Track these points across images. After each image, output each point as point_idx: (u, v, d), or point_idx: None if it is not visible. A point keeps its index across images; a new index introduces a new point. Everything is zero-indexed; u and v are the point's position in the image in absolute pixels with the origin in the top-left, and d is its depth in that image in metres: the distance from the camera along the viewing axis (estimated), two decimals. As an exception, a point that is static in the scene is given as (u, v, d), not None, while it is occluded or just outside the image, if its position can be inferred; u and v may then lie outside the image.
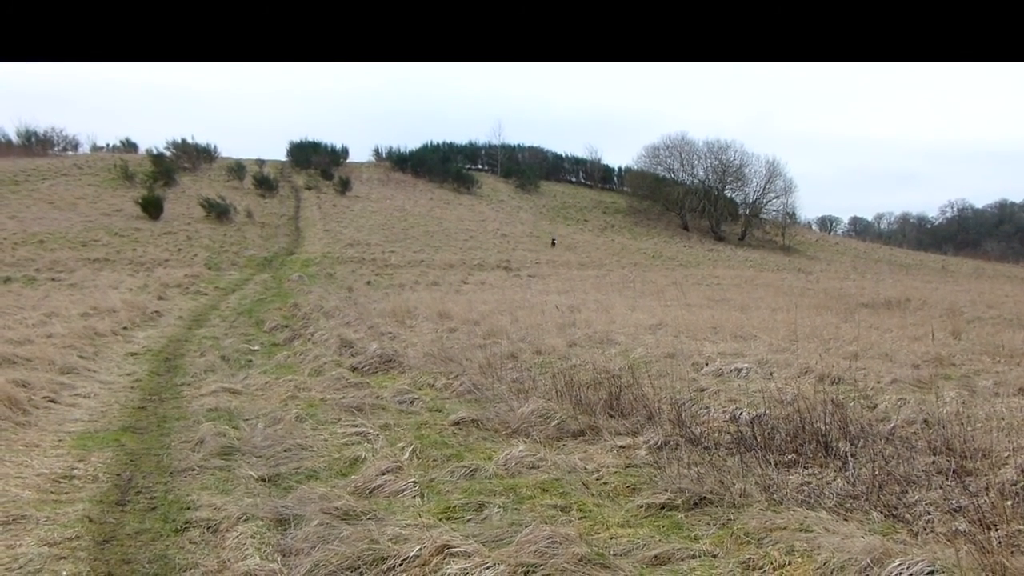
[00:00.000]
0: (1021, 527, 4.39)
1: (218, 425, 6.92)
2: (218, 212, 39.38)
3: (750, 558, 4.15)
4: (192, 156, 54.37)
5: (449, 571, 3.87)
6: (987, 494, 4.80)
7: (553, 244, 23.70)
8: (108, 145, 63.41)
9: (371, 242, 37.49)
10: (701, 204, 61.34)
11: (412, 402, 8.09)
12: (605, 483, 5.47)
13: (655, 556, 4.20)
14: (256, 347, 12.20)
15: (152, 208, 37.82)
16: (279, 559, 4.15)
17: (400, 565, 4.00)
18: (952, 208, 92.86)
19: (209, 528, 4.67)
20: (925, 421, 6.88)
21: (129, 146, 62.05)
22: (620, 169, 72.30)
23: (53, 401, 7.88)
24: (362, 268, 29.75)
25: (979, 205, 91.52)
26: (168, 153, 54.09)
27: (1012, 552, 3.98)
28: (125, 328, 13.61)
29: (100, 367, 10.10)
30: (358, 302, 17.87)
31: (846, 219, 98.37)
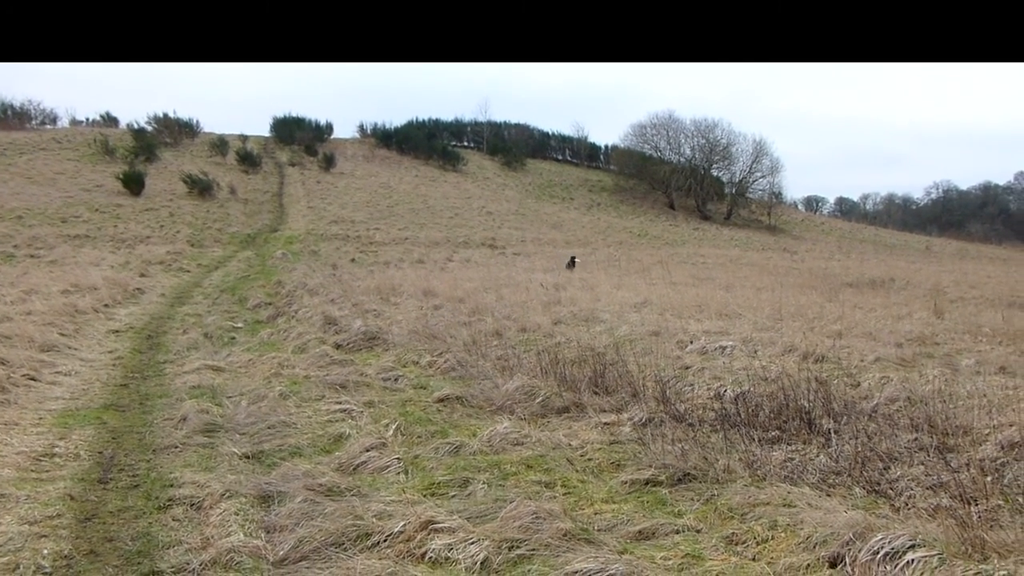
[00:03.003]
0: (1000, 502, 4.45)
1: (201, 402, 6.86)
2: (201, 188, 38.92)
3: (733, 533, 4.18)
4: (174, 131, 53.62)
5: (433, 546, 3.87)
6: (968, 470, 4.85)
7: (573, 265, 19.57)
8: (87, 119, 62.47)
9: (356, 219, 37.24)
10: (687, 183, 61.29)
11: (396, 379, 8.07)
12: (589, 459, 5.48)
13: (639, 531, 4.22)
14: (239, 324, 12.11)
15: (133, 184, 37.32)
16: (263, 535, 4.13)
17: (385, 541, 4.00)
18: (937, 189, 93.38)
19: (192, 505, 4.64)
20: (908, 399, 6.93)
21: (109, 120, 61.12)
22: (606, 147, 72.10)
23: (33, 379, 7.79)
24: (347, 245, 29.56)
25: (964, 187, 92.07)
26: (149, 128, 53.29)
27: (991, 526, 4.03)
28: (107, 305, 13.46)
29: (81, 345, 9.99)
30: (342, 279, 17.76)
31: (832, 199, 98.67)
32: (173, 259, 22.88)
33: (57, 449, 5.68)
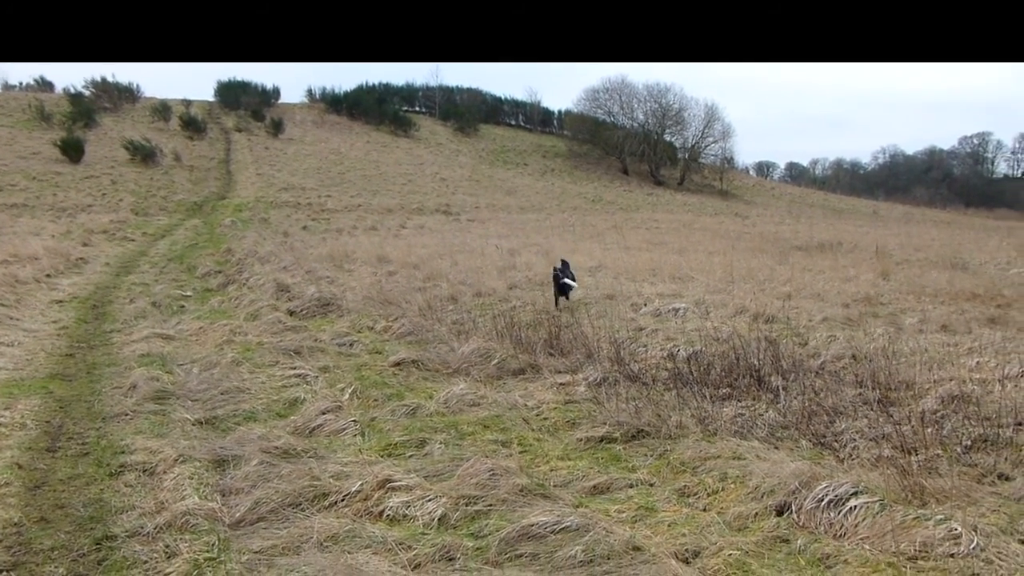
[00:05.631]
0: (939, 452, 4.63)
1: (151, 370, 6.73)
2: (143, 155, 37.83)
3: (685, 486, 4.29)
4: (113, 96, 51.97)
5: (391, 504, 3.90)
6: (909, 422, 5.03)
7: (564, 288, 10.10)
8: (21, 84, 60.13)
9: (306, 186, 36.62)
10: (641, 148, 61.58)
11: (351, 344, 8.02)
12: (545, 419, 5.55)
13: (594, 486, 4.30)
14: (188, 293, 11.88)
15: (72, 151, 36.07)
16: (219, 498, 4.10)
17: (342, 500, 4.01)
18: (884, 154, 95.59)
19: (145, 471, 4.57)
20: (853, 356, 7.14)
21: (44, 85, 58.89)
22: (560, 112, 72.03)
23: (-27, 349, 7.54)
24: (298, 213, 29.09)
25: (910, 152, 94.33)
26: (87, 92, 51.56)
27: (930, 474, 4.20)
28: (48, 275, 13.05)
29: (23, 315, 9.68)
30: (294, 247, 17.51)
31: (782, 164, 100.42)
32: (117, 228, 22.25)
33: (2, 419, 5.52)
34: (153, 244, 19.70)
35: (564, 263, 10.66)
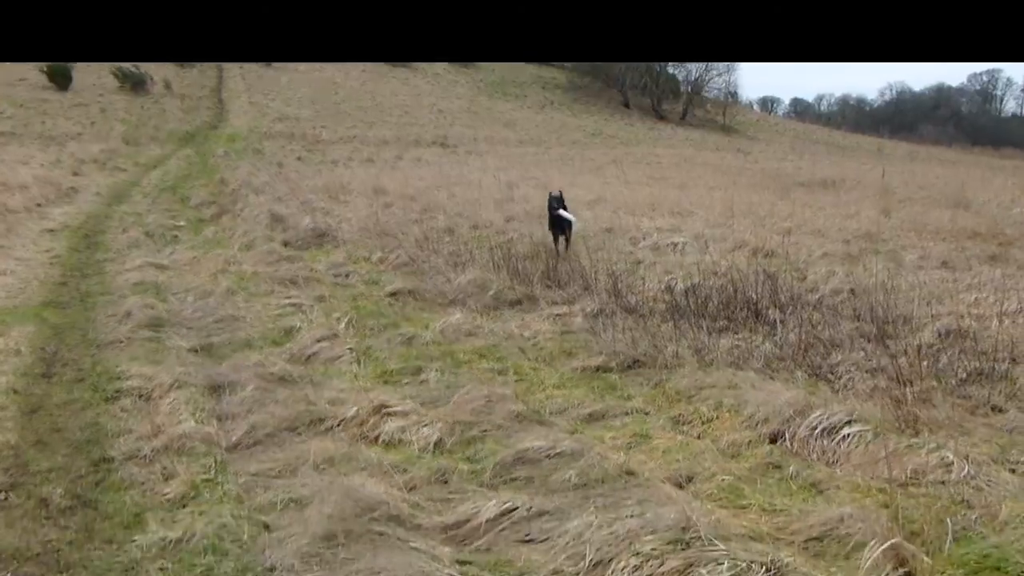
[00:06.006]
0: (934, 384, 4.64)
1: (145, 298, 6.69)
2: (133, 83, 37.12)
3: (680, 414, 4.32)
4: (102, 21, 50.62)
5: (387, 429, 3.91)
6: (905, 355, 5.02)
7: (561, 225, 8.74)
8: (8, 8, 58.48)
9: (301, 117, 36.04)
10: (643, 81, 60.36)
11: (347, 275, 7.99)
12: (541, 348, 5.55)
13: (590, 414, 4.32)
14: (182, 223, 11.78)
15: (60, 77, 35.35)
16: (215, 423, 4.12)
17: (338, 425, 4.03)
18: (891, 90, 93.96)
19: (141, 396, 4.57)
20: (852, 291, 7.10)
21: (32, 10, 57.36)
22: (560, 44, 70.44)
23: (-36, 277, 7.49)
24: (292, 144, 28.68)
25: (917, 88, 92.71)
26: (75, 18, 50.21)
27: (924, 405, 4.22)
28: (39, 205, 12.93)
29: (14, 243, 9.61)
30: (289, 178, 17.31)
31: (787, 100, 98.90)
32: (108, 157, 21.94)
33: (-3, 346, 5.51)
34: (145, 174, 19.45)
35: (559, 196, 8.96)
